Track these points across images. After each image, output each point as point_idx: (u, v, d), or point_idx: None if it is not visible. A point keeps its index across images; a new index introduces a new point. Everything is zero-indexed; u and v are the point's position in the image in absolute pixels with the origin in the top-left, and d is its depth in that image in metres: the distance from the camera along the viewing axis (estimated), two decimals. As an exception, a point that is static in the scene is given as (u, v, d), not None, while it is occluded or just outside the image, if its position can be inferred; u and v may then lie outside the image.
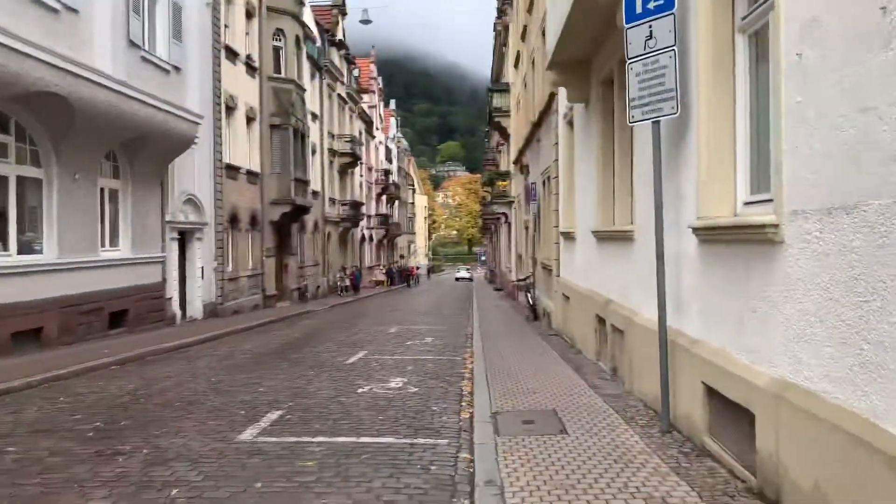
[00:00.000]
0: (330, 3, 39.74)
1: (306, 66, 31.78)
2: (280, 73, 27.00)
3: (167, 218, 18.13)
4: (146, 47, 15.32)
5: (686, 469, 4.70)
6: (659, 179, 5.75)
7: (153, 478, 5.01)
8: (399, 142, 70.52)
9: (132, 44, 14.72)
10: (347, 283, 36.89)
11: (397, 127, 70.66)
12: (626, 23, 5.93)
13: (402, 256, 69.24)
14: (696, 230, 5.27)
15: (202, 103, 19.42)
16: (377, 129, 54.99)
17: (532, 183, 17.76)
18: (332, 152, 37.88)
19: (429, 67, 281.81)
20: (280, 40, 27.12)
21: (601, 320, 9.23)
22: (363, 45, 55.03)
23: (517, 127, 26.03)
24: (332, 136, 38.01)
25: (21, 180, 12.71)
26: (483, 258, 77.85)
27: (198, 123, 17.93)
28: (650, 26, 5.68)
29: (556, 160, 13.99)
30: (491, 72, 47.68)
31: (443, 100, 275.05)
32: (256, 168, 25.55)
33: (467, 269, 72.48)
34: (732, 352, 4.69)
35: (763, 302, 4.22)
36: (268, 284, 26.54)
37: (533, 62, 19.58)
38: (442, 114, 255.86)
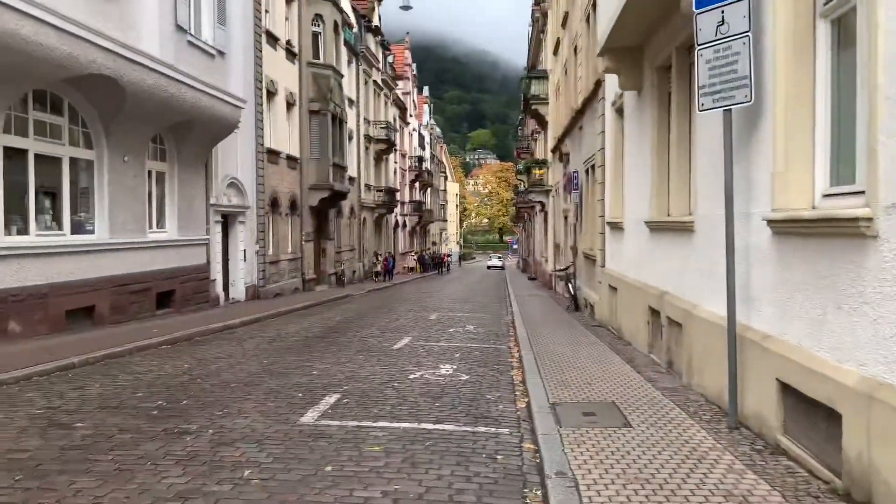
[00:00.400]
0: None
1: (343, 51, 31.82)
2: (318, 59, 27.07)
3: (211, 201, 18.35)
4: (192, 31, 15.43)
5: (762, 467, 4.62)
6: (730, 170, 5.61)
7: (223, 458, 5.08)
8: (432, 129, 70.39)
9: (179, 28, 14.84)
10: (380, 268, 36.98)
11: (430, 114, 70.49)
12: (696, 8, 5.78)
13: (433, 243, 69.31)
14: (771, 222, 5.14)
15: (244, 88, 19.55)
16: (411, 115, 54.95)
17: (574, 172, 17.57)
18: (368, 138, 37.94)
19: (459, 54, 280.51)
20: (319, 26, 27.17)
21: (655, 312, 9.11)
22: (395, 31, 55.00)
23: (556, 115, 25.78)
24: (367, 122, 38.06)
25: (73, 162, 12.97)
26: (515, 247, 77.64)
27: (241, 108, 18.05)
28: (722, 12, 5.53)
29: (602, 149, 13.81)
30: (527, 59, 47.25)
31: (473, 87, 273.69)
32: (296, 153, 25.71)
33: (499, 258, 72.24)
34: (813, 349, 4.57)
35: (851, 298, 4.10)
36: (307, 268, 26.78)
37: (575, 49, 19.34)
38: (473, 101, 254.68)
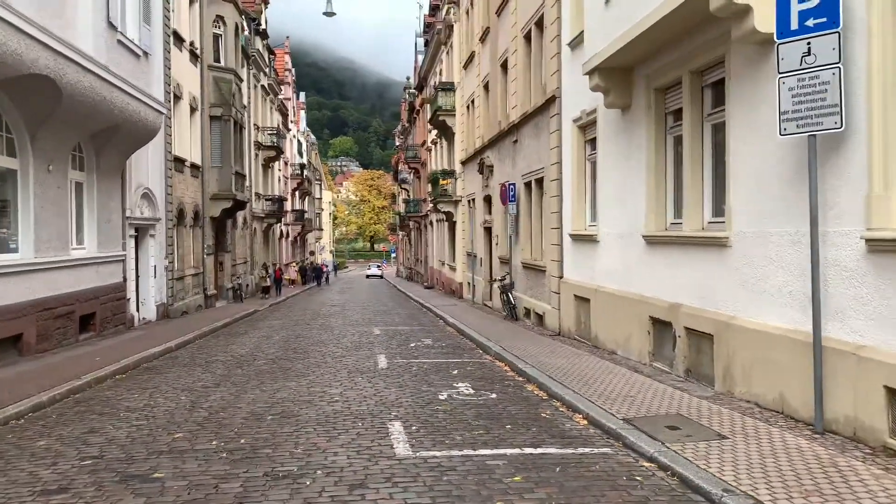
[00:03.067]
0: (254, -11, 38.15)
1: (240, 55, 30.40)
2: (220, 62, 25.72)
3: (126, 213, 16.86)
4: (121, 29, 14.14)
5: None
6: (815, 193, 6.01)
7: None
8: (307, 136, 68.86)
9: (111, 25, 13.56)
10: (269, 281, 35.36)
11: (305, 120, 68.96)
12: (779, 38, 6.15)
13: (311, 253, 67.73)
14: (869, 241, 5.57)
15: (159, 91, 18.18)
16: (291, 121, 53.48)
17: (510, 184, 17.92)
18: (258, 145, 36.48)
19: (319, 60, 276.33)
20: (220, 28, 25.84)
21: (661, 323, 9.51)
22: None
23: (469, 127, 26.16)
24: (257, 127, 36.56)
25: (-2, 172, 11.46)
26: (394, 255, 77.59)
27: (163, 113, 16.79)
28: (808, 43, 5.93)
29: (558, 163, 14.21)
30: (416, 70, 47.57)
31: (334, 94, 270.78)
32: (198, 161, 24.22)
33: (377, 267, 71.97)
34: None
35: None
36: (208, 283, 25.25)
37: (504, 65, 19.76)
38: (333, 108, 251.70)
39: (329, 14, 22.16)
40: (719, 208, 8.57)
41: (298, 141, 59.20)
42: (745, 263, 7.45)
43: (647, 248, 9.98)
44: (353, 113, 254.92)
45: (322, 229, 79.94)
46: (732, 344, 7.62)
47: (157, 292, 19.33)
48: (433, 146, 36.80)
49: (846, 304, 5.92)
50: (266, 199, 38.87)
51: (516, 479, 5.19)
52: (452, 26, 28.62)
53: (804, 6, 5.94)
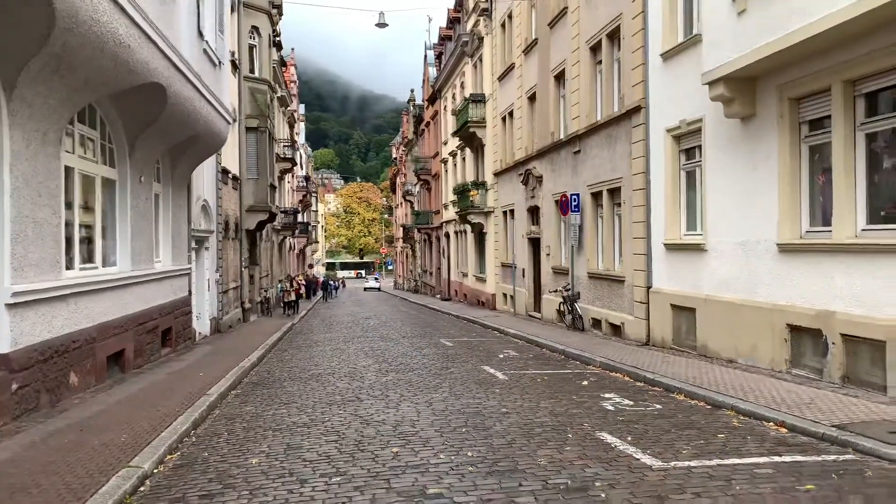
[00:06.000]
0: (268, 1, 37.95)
1: (266, 66, 30.21)
2: (254, 73, 25.50)
3: (191, 225, 16.57)
4: (206, 38, 13.92)
5: None
6: None
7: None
8: (306, 148, 68.52)
9: (200, 33, 13.35)
10: (293, 296, 34.05)
11: (304, 133, 68.65)
12: None
13: (310, 266, 67.20)
14: None
15: (219, 102, 17.92)
16: (297, 133, 53.20)
17: (573, 194, 17.92)
18: (276, 157, 36.14)
19: (299, 71, 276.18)
20: (255, 38, 25.64)
21: (802, 330, 9.53)
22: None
23: (504, 139, 26.18)
24: (274, 139, 36.27)
25: (104, 182, 11.15)
26: (390, 267, 77.32)
27: (230, 123, 16.56)
28: None
29: (644, 172, 14.24)
30: (425, 82, 47.62)
31: (315, 106, 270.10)
32: (236, 172, 23.92)
33: (375, 279, 71.61)
34: None
35: None
36: (244, 297, 24.89)
37: (557, 76, 19.83)
38: (314, 120, 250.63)
39: (381, 25, 22.09)
40: (876, 216, 8.63)
41: (300, 153, 58.89)
42: (930, 270, 7.48)
43: (781, 256, 9.99)
44: (333, 125, 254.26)
45: (318, 241, 79.46)
46: (917, 350, 7.63)
47: (209, 306, 19.00)
48: (451, 158, 36.74)
49: None
50: (282, 212, 38.50)
51: (809, 487, 5.11)
52: (482, 38, 28.67)
53: None
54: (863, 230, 8.73)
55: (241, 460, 6.39)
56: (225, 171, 21.24)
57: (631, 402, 8.69)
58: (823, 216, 9.59)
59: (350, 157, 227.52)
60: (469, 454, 6.26)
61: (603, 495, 5.03)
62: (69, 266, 9.65)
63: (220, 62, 15.30)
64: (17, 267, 7.80)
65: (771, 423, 7.28)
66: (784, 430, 7.02)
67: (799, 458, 5.94)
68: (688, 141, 12.87)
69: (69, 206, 9.61)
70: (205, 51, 13.81)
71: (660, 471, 5.60)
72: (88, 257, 10.65)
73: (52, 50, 7.37)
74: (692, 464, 5.80)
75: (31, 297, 8.06)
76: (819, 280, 9.23)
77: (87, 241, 10.60)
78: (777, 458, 5.91)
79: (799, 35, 8.69)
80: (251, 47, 25.39)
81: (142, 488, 5.72)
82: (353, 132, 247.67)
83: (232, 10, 23.58)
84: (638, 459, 5.95)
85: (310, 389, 10.35)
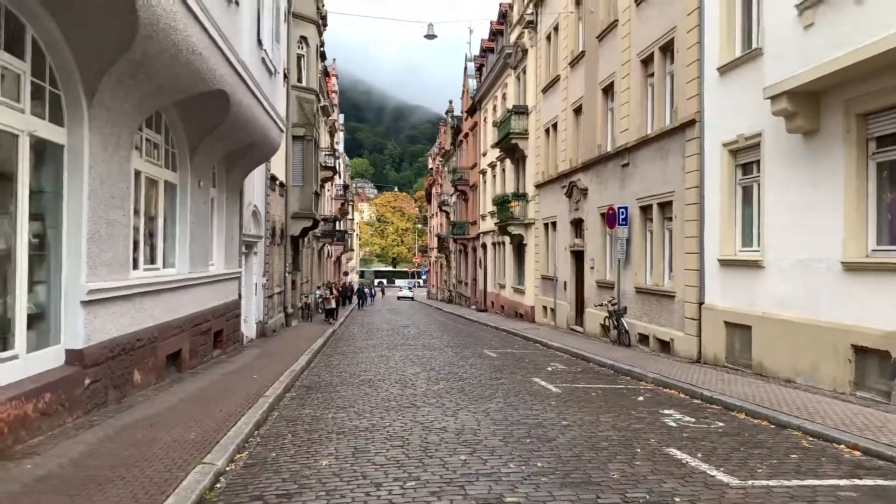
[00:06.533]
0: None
1: (311, 75, 30.67)
2: (301, 83, 25.88)
3: (243, 230, 16.83)
4: (264, 46, 14.20)
5: None
6: None
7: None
8: (344, 157, 69.19)
9: (259, 43, 13.62)
10: (333, 303, 33.52)
11: (343, 142, 69.37)
12: None
13: (345, 273, 67.70)
14: None
15: (271, 109, 18.24)
16: (337, 143, 53.78)
17: (621, 208, 17.80)
18: (320, 165, 36.59)
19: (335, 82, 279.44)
20: (303, 48, 26.04)
21: (868, 351, 9.32)
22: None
23: (546, 151, 26.15)
24: (318, 148, 36.75)
25: (166, 186, 11.41)
26: (424, 276, 77.52)
27: (283, 132, 16.83)
28: None
29: (697, 186, 14.10)
30: (465, 93, 47.84)
31: (350, 116, 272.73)
32: (283, 179, 24.26)
33: (409, 288, 71.81)
34: None
35: None
36: (287, 302, 25.16)
37: (605, 89, 19.78)
38: (350, 130, 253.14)
39: (430, 37, 22.28)
40: (950, 235, 8.43)
41: (340, 162, 59.50)
42: None
43: (846, 274, 9.80)
44: (368, 135, 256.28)
45: (353, 249, 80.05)
46: None
47: (255, 310, 19.25)
48: (490, 169, 36.79)
49: None
50: (323, 220, 38.89)
51: (896, 511, 5.00)
52: (527, 50, 28.73)
53: None
54: (936, 250, 8.54)
55: (311, 461, 6.45)
56: (273, 178, 21.57)
57: (692, 419, 8.58)
58: (891, 235, 9.40)
59: (384, 167, 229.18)
60: (539, 465, 6.24)
61: (681, 511, 4.99)
62: (135, 266, 9.90)
63: (275, 71, 15.59)
64: (92, 266, 8.01)
65: (842, 446, 7.12)
66: (858, 454, 6.86)
67: (881, 482, 5.81)
68: (745, 156, 12.71)
69: (136, 208, 9.86)
70: (263, 59, 14.08)
71: (738, 489, 5.52)
72: (151, 259, 10.90)
73: (132, 57, 7.58)
74: (770, 483, 5.70)
75: (104, 294, 8.27)
76: (888, 300, 9.03)
77: (150, 243, 10.86)
78: (857, 482, 5.79)
79: (870, 50, 8.58)
80: (299, 57, 25.79)
81: (218, 485, 5.81)
82: (387, 142, 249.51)
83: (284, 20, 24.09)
84: (713, 476, 5.87)
85: (363, 395, 10.41)
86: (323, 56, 38.43)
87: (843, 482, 5.77)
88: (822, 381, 10.22)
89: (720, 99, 13.40)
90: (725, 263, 13.14)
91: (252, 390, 10.19)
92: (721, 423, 8.33)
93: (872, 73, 9.10)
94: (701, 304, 13.98)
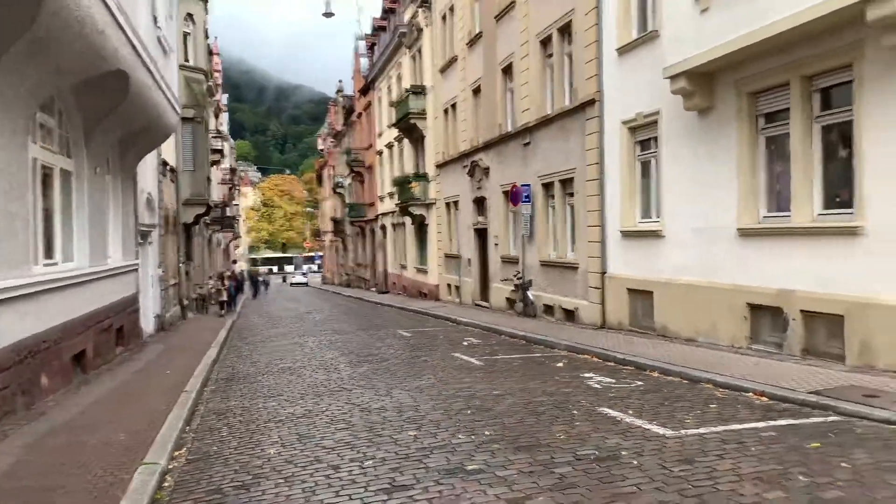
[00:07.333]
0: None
1: (197, 55, 29.25)
2: (189, 62, 24.66)
3: (137, 220, 15.97)
4: (159, 24, 13.44)
5: None
6: None
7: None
8: (228, 139, 66.54)
9: (154, 20, 12.89)
10: (225, 296, 32.02)
11: (228, 123, 66.63)
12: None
13: (234, 262, 65.49)
14: None
15: (162, 91, 17.30)
16: (221, 124, 51.64)
17: (524, 185, 18.33)
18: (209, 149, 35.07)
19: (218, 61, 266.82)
20: (189, 26, 24.81)
21: (762, 308, 10.21)
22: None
23: (447, 131, 26.38)
24: (208, 131, 35.19)
25: (61, 173, 10.64)
26: (318, 261, 76.27)
27: (178, 114, 16.02)
28: None
29: (598, 163, 14.76)
30: (357, 73, 47.16)
31: (230, 96, 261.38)
32: (173, 164, 23.13)
33: (303, 274, 70.52)
34: None
35: None
36: (182, 294, 24.12)
37: (504, 69, 20.18)
38: (230, 110, 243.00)
39: (328, 15, 21.75)
40: (830, 201, 9.34)
41: (226, 145, 57.21)
42: (885, 249, 8.19)
43: (741, 240, 10.64)
44: (249, 116, 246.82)
45: (240, 236, 77.46)
46: (873, 322, 8.34)
47: (153, 303, 18.37)
48: (388, 149, 36.65)
49: None
50: (214, 205, 37.40)
51: (815, 444, 5.58)
52: (422, 30, 28.73)
53: None
54: (819, 214, 9.43)
55: (257, 451, 6.35)
56: (164, 164, 20.53)
57: (613, 380, 9.09)
58: (779, 203, 10.29)
59: (267, 149, 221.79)
60: (487, 433, 6.46)
61: (635, 462, 5.34)
62: (34, 262, 9.22)
63: (170, 50, 14.82)
64: (-7, 262, 7.42)
65: (751, 394, 7.81)
66: (766, 399, 7.55)
67: (793, 421, 6.45)
68: (643, 133, 13.43)
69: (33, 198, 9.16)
70: (158, 38, 13.35)
71: (675, 439, 5.97)
72: (48, 252, 10.17)
73: (35, 35, 7.03)
74: (701, 431, 6.20)
75: (7, 294, 7.68)
76: (778, 262, 9.90)
77: (47, 236, 10.13)
78: (773, 423, 6.40)
79: (759, 35, 9.30)
80: (185, 35, 24.54)
81: (165, 483, 5.62)
82: (269, 123, 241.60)
83: (166, -3, 22.80)
84: (649, 430, 6.31)
85: (288, 382, 10.26)
86: (206, 34, 36.75)
87: (760, 424, 6.36)
88: (722, 339, 11.09)
89: (619, 79, 14.04)
90: (627, 234, 13.89)
91: (169, 386, 9.82)
92: (640, 382, 8.89)
93: (761, 55, 9.86)
94: (604, 273, 14.72)
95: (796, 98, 9.53)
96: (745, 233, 10.56)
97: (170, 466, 6.08)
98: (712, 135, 11.25)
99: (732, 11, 9.84)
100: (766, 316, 10.26)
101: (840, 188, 9.23)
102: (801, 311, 9.50)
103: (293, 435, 6.88)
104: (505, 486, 4.94)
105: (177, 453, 6.53)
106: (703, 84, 11.07)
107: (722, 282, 11.09)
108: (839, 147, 9.25)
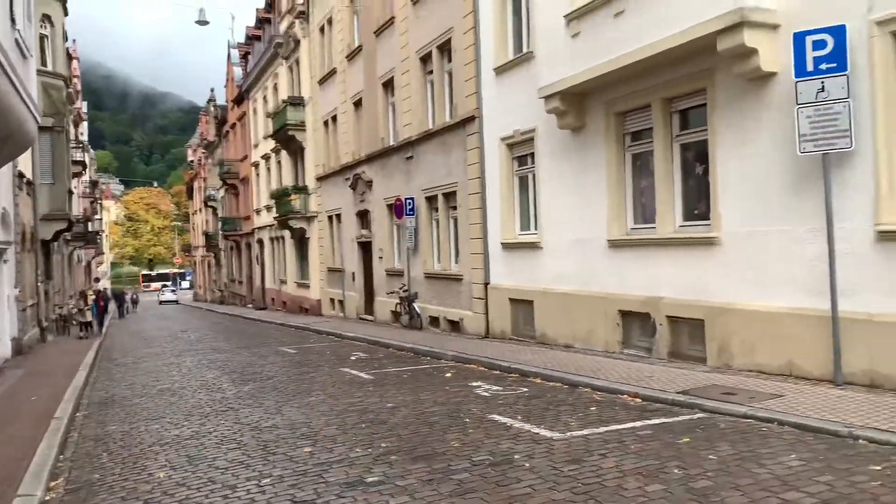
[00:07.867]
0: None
1: (55, 59, 27.31)
2: (47, 67, 23.02)
3: (-8, 236, 14.75)
4: (18, 25, 12.50)
5: (936, 398, 6.73)
6: (830, 197, 7.72)
7: (602, 472, 5.34)
8: (89, 149, 62.36)
9: (13, 21, 11.98)
10: (88, 316, 29.50)
11: (87, 133, 62.44)
12: (797, 77, 7.81)
13: (97, 279, 61.31)
14: (883, 232, 7.34)
15: (19, 97, 16.06)
16: (81, 133, 48.39)
17: (407, 198, 18.57)
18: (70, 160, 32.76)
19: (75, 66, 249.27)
20: (46, 28, 23.18)
21: (632, 314, 10.96)
22: None
23: (327, 143, 26.20)
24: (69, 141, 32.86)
25: None
26: (189, 278, 72.87)
27: (38, 122, 14.93)
28: (822, 82, 7.64)
29: (479, 177, 15.27)
30: (230, 82, 45.77)
31: (89, 103, 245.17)
32: (30, 177, 21.46)
33: (172, 291, 67.16)
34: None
35: None
36: (42, 315, 22.39)
37: (385, 84, 20.41)
38: (89, 118, 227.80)
39: (202, 23, 21.00)
40: (690, 213, 10.23)
41: (87, 156, 53.58)
42: (738, 258, 9.08)
43: (611, 251, 11.39)
44: (110, 125, 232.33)
45: (104, 253, 72.67)
46: (729, 326, 9.20)
47: (10, 325, 16.97)
48: (264, 161, 35.82)
49: (856, 284, 7.66)
50: (76, 221, 34.92)
51: (686, 440, 6.10)
52: (299, 41, 28.41)
53: (818, 54, 7.65)
54: (680, 226, 10.30)
55: (144, 476, 6.09)
56: (20, 176, 19.06)
57: (500, 388, 9.44)
58: (645, 215, 11.12)
59: (131, 160, 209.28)
60: (383, 445, 6.55)
61: (528, 464, 5.62)
62: None
63: (30, 54, 13.79)
64: None
65: (626, 395, 8.37)
66: (639, 400, 8.13)
67: (665, 419, 7.00)
68: (521, 149, 14.06)
69: None
70: (17, 41, 12.42)
71: (562, 441, 6.33)
72: None
73: None
74: (585, 432, 6.61)
75: None
76: (646, 270, 10.69)
77: None
78: (649, 422, 6.92)
79: (624, 60, 10.05)
80: (42, 37, 22.90)
81: (44, 516, 5.29)
82: (132, 133, 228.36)
83: (20, -4, 21.21)
84: (538, 433, 6.64)
85: (169, 404, 9.84)
86: (65, 37, 34.47)
87: (637, 424, 6.87)
88: (597, 344, 11.78)
89: (497, 97, 14.62)
90: (508, 246, 14.44)
91: (37, 412, 9.18)
92: (525, 389, 9.30)
93: (627, 79, 10.65)
94: (487, 284, 15.21)
95: (658, 118, 10.38)
96: (614, 244, 11.32)
97: (47, 498, 5.72)
98: (584, 152, 11.98)
99: (599, 37, 10.57)
100: (636, 322, 11.03)
101: (698, 202, 10.12)
102: (667, 316, 10.30)
103: (182, 457, 6.65)
104: (406, 496, 5.06)
105: (53, 483, 6.14)
106: (575, 104, 11.78)
107: (596, 290, 11.80)
108: (696, 164, 10.15)
